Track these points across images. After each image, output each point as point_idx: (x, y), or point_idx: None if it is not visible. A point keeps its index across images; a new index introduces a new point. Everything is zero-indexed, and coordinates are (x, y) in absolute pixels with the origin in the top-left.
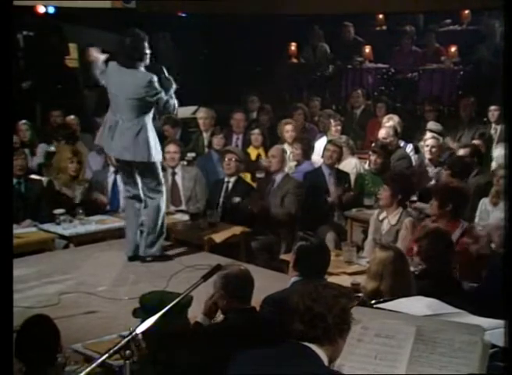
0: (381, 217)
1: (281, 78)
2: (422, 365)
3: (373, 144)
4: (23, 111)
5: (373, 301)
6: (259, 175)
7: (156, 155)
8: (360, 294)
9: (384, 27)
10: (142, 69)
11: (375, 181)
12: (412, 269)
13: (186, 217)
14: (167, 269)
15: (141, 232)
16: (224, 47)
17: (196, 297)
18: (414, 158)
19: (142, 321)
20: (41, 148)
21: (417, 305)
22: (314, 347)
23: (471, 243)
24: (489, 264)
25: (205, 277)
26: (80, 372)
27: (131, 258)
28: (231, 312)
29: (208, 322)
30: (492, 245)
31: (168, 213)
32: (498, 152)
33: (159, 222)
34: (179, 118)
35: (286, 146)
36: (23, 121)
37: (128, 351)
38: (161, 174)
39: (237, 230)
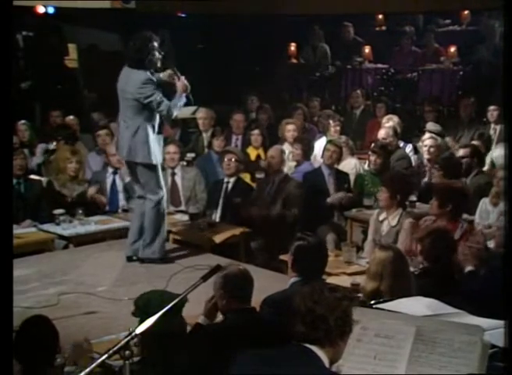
0: (381, 218)
1: (281, 78)
2: (422, 365)
3: (373, 145)
4: (23, 111)
5: (373, 302)
6: (259, 175)
7: (156, 156)
8: (359, 295)
9: (384, 27)
10: (144, 70)
11: (374, 181)
12: (412, 269)
13: (185, 217)
14: (166, 270)
15: (142, 233)
16: (224, 47)
17: (196, 297)
18: (413, 158)
19: (141, 321)
20: (41, 148)
21: (417, 306)
22: (315, 349)
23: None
24: (489, 264)
25: (205, 278)
26: (80, 372)
27: (129, 259)
28: (230, 313)
29: (208, 323)
30: (492, 245)
31: (167, 213)
32: (497, 152)
33: (159, 223)
34: (179, 118)
35: (285, 146)
36: (23, 121)
37: (128, 352)
38: (161, 175)
39: (237, 230)
